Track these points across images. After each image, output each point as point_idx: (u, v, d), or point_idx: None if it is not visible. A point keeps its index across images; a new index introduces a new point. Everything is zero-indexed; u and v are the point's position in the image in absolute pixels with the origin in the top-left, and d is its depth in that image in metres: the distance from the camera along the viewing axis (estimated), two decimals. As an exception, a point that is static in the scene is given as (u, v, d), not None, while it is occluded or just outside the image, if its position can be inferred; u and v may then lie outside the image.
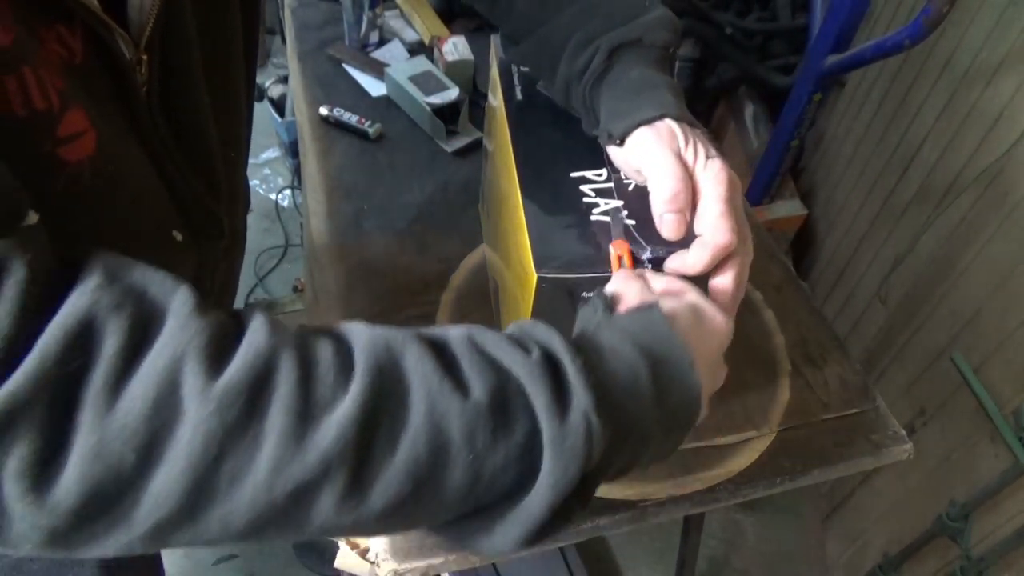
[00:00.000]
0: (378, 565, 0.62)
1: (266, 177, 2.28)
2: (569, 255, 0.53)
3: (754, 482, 0.70)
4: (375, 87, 1.08)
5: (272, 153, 2.34)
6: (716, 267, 0.52)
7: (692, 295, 0.47)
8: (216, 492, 0.31)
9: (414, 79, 1.03)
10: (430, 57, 1.10)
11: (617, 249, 0.52)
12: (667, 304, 0.44)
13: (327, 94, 1.07)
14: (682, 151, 0.52)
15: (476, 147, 1.00)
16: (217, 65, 0.59)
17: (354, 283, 0.81)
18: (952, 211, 1.28)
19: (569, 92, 0.61)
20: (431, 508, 0.35)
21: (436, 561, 0.62)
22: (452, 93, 1.01)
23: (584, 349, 0.39)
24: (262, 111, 2.22)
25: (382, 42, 1.17)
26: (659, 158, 0.52)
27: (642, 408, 0.39)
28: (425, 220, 0.89)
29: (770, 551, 1.63)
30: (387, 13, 1.20)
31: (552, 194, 0.58)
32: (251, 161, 2.29)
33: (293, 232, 2.10)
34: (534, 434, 0.35)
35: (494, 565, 1.34)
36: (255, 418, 0.32)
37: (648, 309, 0.42)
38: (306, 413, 0.32)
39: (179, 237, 0.60)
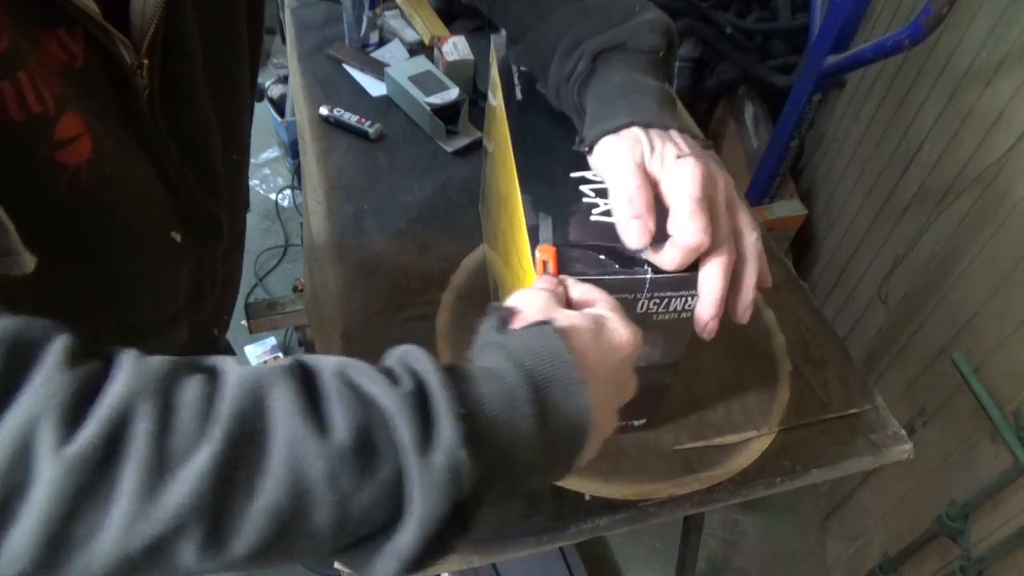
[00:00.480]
0: (378, 565, 0.62)
1: (266, 177, 2.28)
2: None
3: (754, 482, 0.70)
4: (375, 87, 1.08)
5: (272, 153, 2.34)
6: (699, 265, 0.51)
7: (602, 306, 0.46)
8: (70, 550, 0.31)
9: (414, 79, 1.03)
10: (430, 57, 1.10)
11: (542, 254, 0.51)
12: (566, 319, 0.43)
13: (327, 94, 1.07)
14: (646, 157, 0.51)
15: (476, 147, 1.00)
16: (221, 71, 0.59)
17: (354, 283, 0.81)
18: (952, 211, 1.28)
19: (560, 95, 0.61)
20: (303, 546, 0.35)
21: (436, 561, 0.62)
22: (452, 93, 1.01)
23: (462, 375, 0.38)
24: (262, 111, 2.22)
25: (382, 42, 1.17)
26: (616, 167, 0.51)
27: (520, 435, 0.38)
28: (425, 220, 0.89)
29: (770, 551, 1.63)
30: (387, 13, 1.20)
31: (553, 195, 0.58)
32: (251, 161, 2.29)
33: (293, 232, 2.11)
34: (400, 471, 0.35)
35: (494, 565, 1.34)
36: (107, 477, 0.31)
37: (540, 326, 0.41)
38: (161, 467, 0.32)
39: (178, 238, 0.60)
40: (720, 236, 0.50)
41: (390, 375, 0.37)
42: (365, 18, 1.13)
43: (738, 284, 0.53)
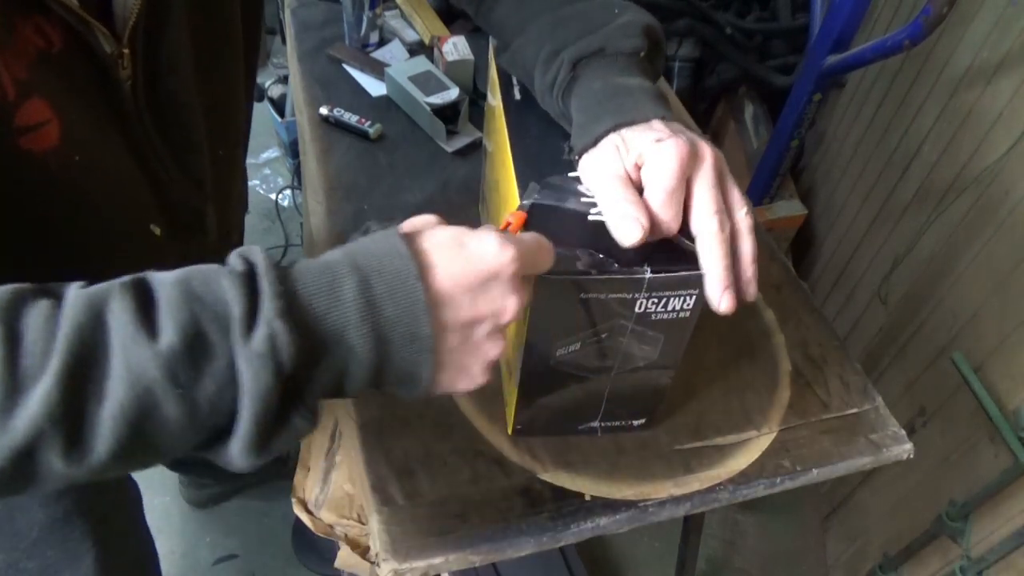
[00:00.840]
0: (378, 565, 0.62)
1: (266, 177, 2.28)
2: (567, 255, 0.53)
3: (754, 482, 0.70)
4: (375, 87, 1.08)
5: (272, 153, 2.34)
6: (696, 244, 0.52)
7: (470, 230, 0.45)
8: None
9: (414, 79, 1.03)
10: (430, 57, 1.10)
11: (511, 217, 0.51)
12: (428, 232, 0.44)
13: (327, 94, 1.07)
14: (625, 162, 0.51)
15: (476, 147, 1.00)
16: (210, 65, 0.59)
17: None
18: (952, 211, 1.28)
19: (546, 104, 0.61)
20: (164, 442, 0.38)
21: (436, 561, 0.62)
22: (452, 93, 1.01)
23: (293, 265, 0.41)
24: (262, 111, 2.22)
25: (382, 42, 1.17)
26: (598, 182, 0.52)
27: (346, 318, 0.39)
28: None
29: (770, 551, 1.63)
30: (387, 13, 1.20)
31: (551, 195, 0.58)
32: (251, 161, 2.29)
33: (293, 232, 2.10)
34: (231, 355, 0.37)
35: (494, 565, 1.34)
36: None
37: (387, 230, 0.43)
38: (14, 387, 0.35)
39: (157, 231, 0.60)
40: (712, 211, 0.50)
41: (225, 269, 0.40)
42: (365, 18, 1.13)
43: (737, 259, 0.53)
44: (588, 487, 0.67)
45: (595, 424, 0.69)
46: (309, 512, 0.87)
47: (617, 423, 0.69)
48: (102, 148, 0.52)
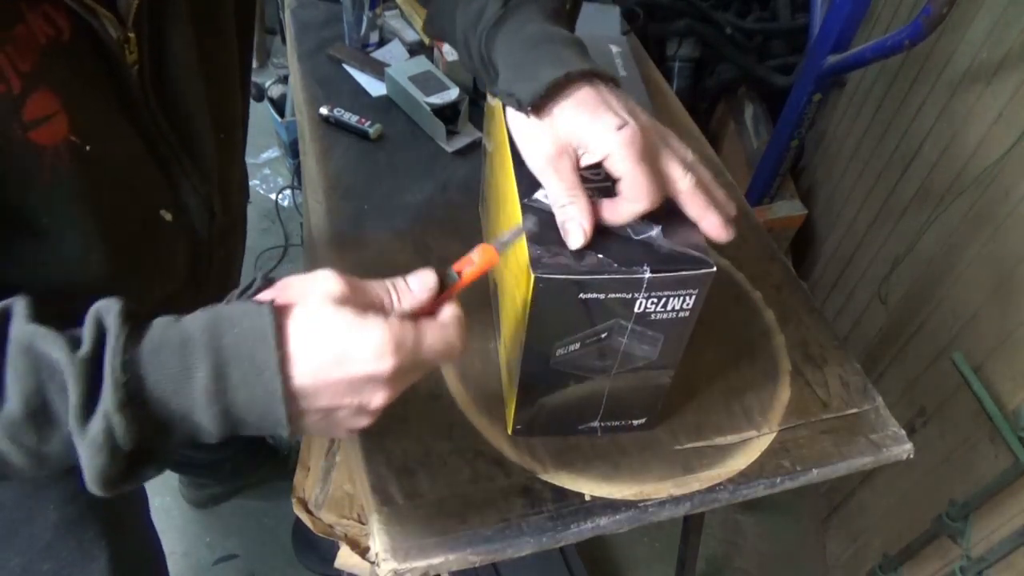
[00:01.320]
0: (378, 565, 0.62)
1: (266, 177, 2.28)
2: (566, 255, 0.53)
3: (754, 482, 0.70)
4: (375, 87, 1.08)
5: (272, 153, 2.34)
6: (677, 201, 0.55)
7: (355, 316, 0.42)
8: None
9: (414, 79, 1.03)
10: (430, 57, 1.10)
11: (478, 255, 0.49)
12: (305, 306, 0.42)
13: (327, 94, 1.07)
14: (616, 110, 0.53)
15: (476, 147, 1.00)
16: (209, 46, 0.59)
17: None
18: (952, 211, 1.28)
19: (468, 46, 0.59)
20: (19, 478, 0.43)
21: (436, 561, 0.62)
22: (452, 93, 1.01)
23: (154, 338, 0.40)
24: (262, 111, 2.22)
25: (382, 42, 1.17)
26: (537, 165, 0.54)
27: (191, 400, 0.40)
28: (425, 220, 0.89)
29: (770, 551, 1.63)
30: (387, 13, 1.20)
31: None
32: (251, 161, 2.29)
33: (293, 232, 2.10)
34: (70, 432, 0.39)
35: (494, 565, 1.34)
36: None
37: (259, 306, 0.41)
38: None
39: (168, 217, 0.60)
40: (680, 173, 0.54)
41: (72, 339, 0.40)
42: (365, 18, 1.13)
43: (711, 200, 0.56)
44: (588, 487, 0.67)
45: (595, 424, 0.69)
46: (309, 512, 0.87)
47: (617, 423, 0.69)
48: (112, 136, 0.52)
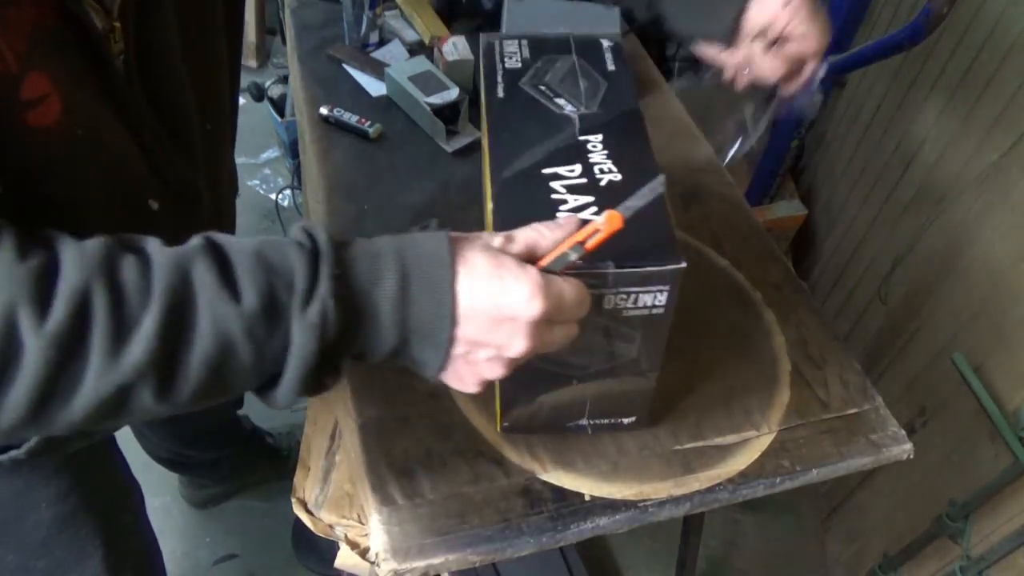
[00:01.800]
0: (378, 565, 0.62)
1: (266, 177, 2.28)
2: None
3: (754, 482, 0.70)
4: (375, 87, 1.08)
5: (272, 153, 2.34)
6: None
7: (513, 262, 0.47)
8: (55, 401, 0.41)
9: (414, 79, 1.03)
10: (430, 57, 1.10)
11: (605, 222, 0.49)
12: (474, 245, 0.48)
13: (327, 94, 1.07)
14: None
15: (476, 147, 1.00)
16: (196, 37, 0.60)
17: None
18: (952, 211, 1.28)
19: None
20: (232, 386, 0.45)
21: (436, 561, 0.62)
22: (452, 93, 1.01)
23: (351, 248, 0.46)
24: (262, 111, 2.21)
25: (382, 42, 1.17)
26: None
27: (380, 304, 0.45)
28: (425, 220, 0.89)
29: (770, 551, 1.63)
30: (387, 13, 1.20)
31: (522, 190, 0.58)
32: (251, 161, 2.29)
33: (293, 232, 2.10)
34: (291, 319, 0.44)
35: (494, 565, 1.34)
36: (81, 344, 0.40)
37: (439, 233, 0.48)
38: (119, 332, 0.40)
39: (155, 206, 0.60)
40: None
41: (296, 244, 0.45)
42: (365, 18, 1.13)
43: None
44: (588, 487, 0.67)
45: (584, 422, 0.69)
46: (309, 512, 0.87)
47: (606, 421, 0.69)
48: (100, 123, 0.52)
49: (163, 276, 0.42)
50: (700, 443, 0.71)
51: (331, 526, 0.83)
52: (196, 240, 0.45)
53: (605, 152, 0.63)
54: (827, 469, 0.72)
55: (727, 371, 0.78)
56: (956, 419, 1.22)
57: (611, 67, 0.72)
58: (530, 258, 0.49)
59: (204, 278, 0.42)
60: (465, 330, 0.46)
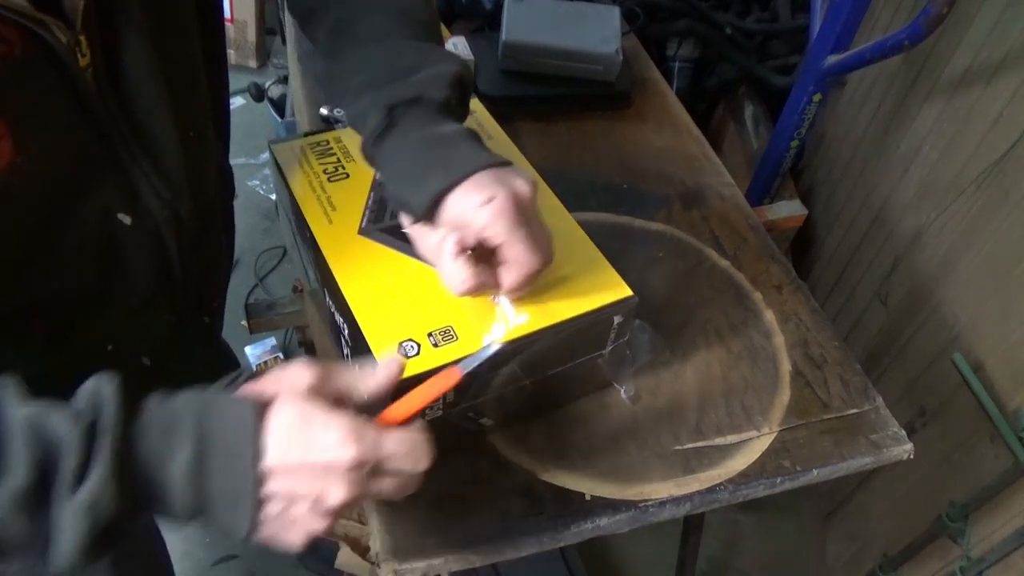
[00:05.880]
0: (378, 565, 0.62)
1: (266, 177, 2.28)
2: None
3: (754, 482, 0.70)
4: (375, 87, 1.08)
5: (272, 153, 2.34)
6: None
7: (322, 410, 0.46)
8: None
9: (414, 79, 1.03)
10: (430, 57, 1.10)
11: (440, 379, 0.53)
12: (280, 402, 0.46)
13: (327, 94, 1.07)
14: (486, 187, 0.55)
15: (476, 147, 1.00)
16: (166, 40, 0.58)
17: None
18: (952, 211, 1.28)
19: (356, 129, 0.63)
20: (10, 557, 0.43)
21: (436, 561, 0.62)
22: (452, 93, 1.01)
23: (147, 417, 0.44)
24: (262, 111, 2.22)
25: (382, 42, 1.17)
26: (431, 255, 0.58)
27: (172, 480, 0.44)
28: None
29: (770, 551, 1.63)
30: (387, 13, 1.20)
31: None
32: (251, 161, 2.29)
33: (293, 232, 2.10)
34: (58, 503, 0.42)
35: (494, 565, 1.34)
36: None
37: (245, 400, 0.46)
38: None
39: (127, 220, 0.59)
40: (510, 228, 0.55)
41: (76, 415, 0.43)
42: (365, 18, 1.13)
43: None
44: (588, 487, 0.67)
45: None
46: (309, 512, 0.86)
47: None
48: (61, 150, 0.51)
49: None
50: (700, 443, 0.71)
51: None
52: None
53: None
54: (827, 469, 0.72)
55: (727, 371, 0.78)
56: (956, 419, 1.22)
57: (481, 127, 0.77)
58: (341, 402, 0.48)
59: None
60: (276, 485, 0.45)
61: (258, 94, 2.20)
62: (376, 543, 0.63)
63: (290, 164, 0.74)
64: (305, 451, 0.45)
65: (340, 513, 0.47)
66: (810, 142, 1.84)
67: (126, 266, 0.62)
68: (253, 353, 1.83)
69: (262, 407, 0.45)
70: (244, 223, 2.13)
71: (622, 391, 0.72)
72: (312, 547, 1.50)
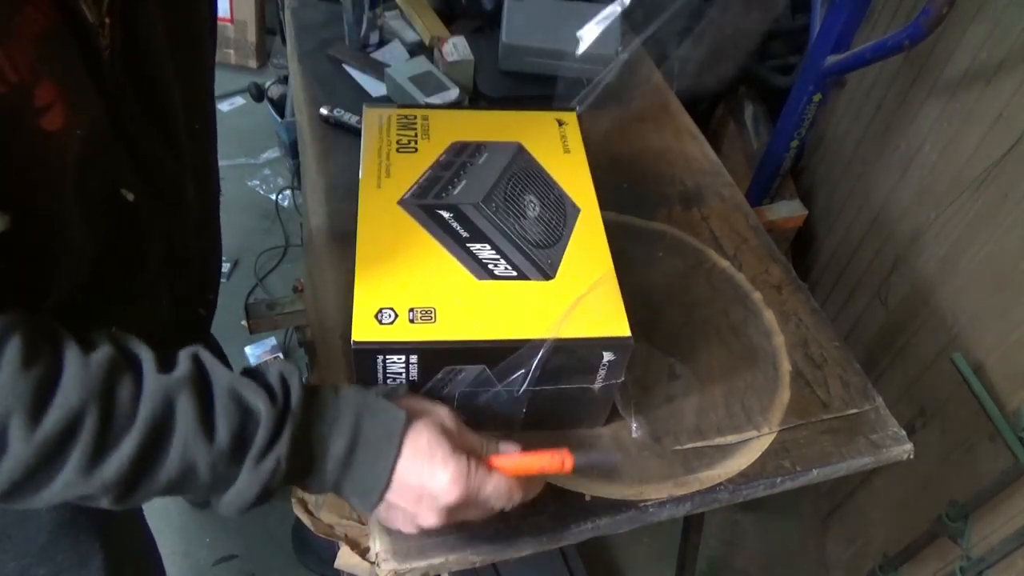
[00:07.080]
0: (378, 565, 0.62)
1: (266, 177, 2.28)
2: None
3: (754, 482, 0.70)
4: (375, 87, 1.08)
5: (272, 153, 2.34)
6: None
7: (449, 448, 0.54)
8: (21, 494, 0.46)
9: (414, 79, 1.03)
10: (430, 57, 1.10)
11: (553, 460, 0.57)
12: (424, 421, 0.54)
13: (327, 94, 1.07)
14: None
15: (476, 147, 1.00)
16: (180, 34, 0.61)
17: (354, 284, 0.81)
18: (952, 211, 1.28)
19: None
20: (180, 495, 0.51)
21: (436, 561, 0.62)
22: (452, 94, 1.01)
23: (318, 406, 0.52)
24: (262, 111, 2.22)
25: (382, 42, 1.17)
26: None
27: (325, 464, 0.52)
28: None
29: (770, 551, 1.63)
30: (387, 13, 1.20)
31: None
32: (251, 161, 2.29)
33: (293, 232, 2.10)
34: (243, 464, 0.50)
35: (494, 565, 1.34)
36: (61, 455, 0.45)
37: (398, 415, 0.54)
38: (98, 451, 0.45)
39: (130, 197, 0.60)
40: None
41: (271, 395, 0.50)
42: (365, 18, 1.13)
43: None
44: (588, 487, 0.67)
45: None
46: (309, 512, 0.87)
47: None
48: (90, 120, 0.53)
49: (149, 404, 0.46)
50: (700, 443, 0.71)
51: (331, 526, 0.83)
52: (184, 366, 0.49)
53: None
54: (827, 469, 0.72)
55: (727, 371, 0.78)
56: (956, 419, 1.22)
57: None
58: (470, 453, 0.55)
59: (186, 412, 0.47)
60: (390, 494, 0.53)
61: (258, 94, 2.19)
62: (376, 543, 0.63)
63: (371, 128, 0.76)
64: (420, 477, 0.53)
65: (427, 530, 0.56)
66: (810, 142, 1.84)
67: (129, 244, 0.63)
68: (253, 353, 1.82)
69: (408, 419, 0.53)
70: (244, 223, 2.12)
71: (633, 426, 0.72)
72: (312, 547, 1.50)
